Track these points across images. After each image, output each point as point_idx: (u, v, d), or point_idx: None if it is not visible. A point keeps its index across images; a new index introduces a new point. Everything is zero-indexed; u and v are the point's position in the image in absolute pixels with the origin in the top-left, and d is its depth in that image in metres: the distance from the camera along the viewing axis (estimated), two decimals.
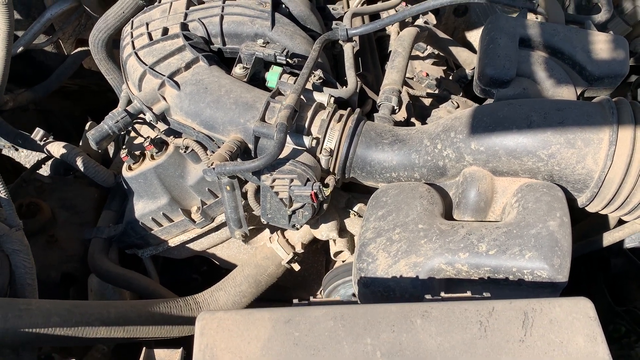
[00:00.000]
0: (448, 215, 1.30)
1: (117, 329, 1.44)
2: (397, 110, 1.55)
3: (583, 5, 1.91)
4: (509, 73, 1.33)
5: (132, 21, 1.81)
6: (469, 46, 2.56)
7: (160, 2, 1.83)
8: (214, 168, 1.33)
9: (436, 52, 2.09)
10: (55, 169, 2.29)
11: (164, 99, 1.52)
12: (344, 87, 1.62)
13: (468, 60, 1.99)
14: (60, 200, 2.04)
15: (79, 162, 1.68)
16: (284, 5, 1.79)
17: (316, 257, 1.92)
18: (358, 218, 1.61)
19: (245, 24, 1.65)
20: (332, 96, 1.50)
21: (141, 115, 1.54)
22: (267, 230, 1.77)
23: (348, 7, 2.15)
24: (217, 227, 1.72)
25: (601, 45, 1.33)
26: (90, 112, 2.77)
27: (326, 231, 1.58)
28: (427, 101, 1.87)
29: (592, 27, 1.47)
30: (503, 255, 1.09)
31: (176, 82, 1.50)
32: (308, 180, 1.35)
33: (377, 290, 1.21)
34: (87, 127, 2.02)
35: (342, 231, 1.62)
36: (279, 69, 1.57)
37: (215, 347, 0.78)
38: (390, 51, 2.00)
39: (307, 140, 1.39)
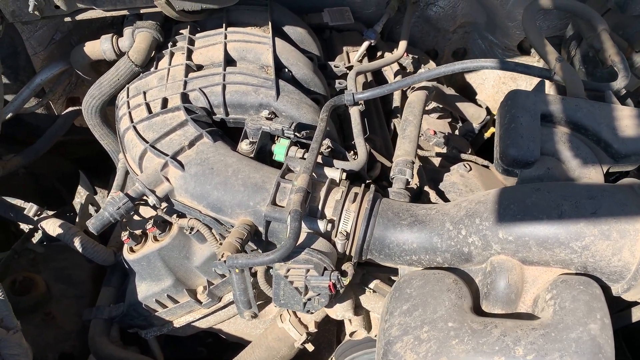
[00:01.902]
0: (475, 303, 1.24)
1: None
2: (410, 183, 1.49)
3: (590, 56, 1.87)
4: (534, 154, 1.27)
5: (128, 88, 1.73)
6: (467, 89, 2.53)
7: (157, 67, 1.76)
8: (224, 261, 1.26)
9: (440, 105, 2.04)
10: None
11: (168, 180, 1.44)
12: (354, 156, 1.56)
13: (475, 115, 1.94)
14: (55, 272, 1.94)
15: (77, 243, 1.60)
16: (286, 70, 1.73)
17: (327, 325, 1.85)
18: (374, 294, 1.54)
19: (249, 94, 1.58)
20: (344, 171, 1.43)
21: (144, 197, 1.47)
22: None
23: (348, 61, 2.09)
24: (224, 306, 1.64)
25: (627, 121, 1.28)
26: (78, 161, 2.68)
27: (341, 311, 1.51)
28: (436, 161, 1.81)
29: (612, 98, 1.43)
30: None
31: (180, 163, 1.43)
32: (325, 269, 1.27)
33: None
34: (83, 201, 1.93)
35: (357, 308, 1.54)
36: (286, 142, 1.50)
37: None
38: (395, 107, 1.95)
39: (322, 225, 1.32)
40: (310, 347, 1.62)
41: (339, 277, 1.27)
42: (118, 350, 1.64)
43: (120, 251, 1.68)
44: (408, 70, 2.14)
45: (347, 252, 1.35)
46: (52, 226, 1.65)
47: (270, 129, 1.48)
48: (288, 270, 1.29)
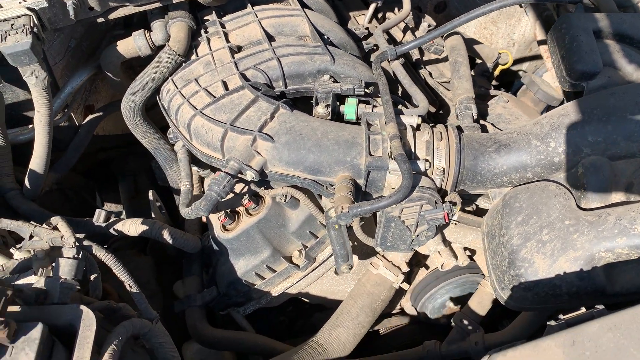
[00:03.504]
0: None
1: None
2: (475, 117, 1.62)
3: None
4: (598, 66, 1.44)
5: (172, 79, 1.75)
6: None
7: (197, 55, 1.78)
8: (348, 211, 1.34)
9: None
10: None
11: (259, 153, 1.49)
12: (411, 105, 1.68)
13: (490, 55, 2.10)
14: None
15: (166, 235, 1.61)
16: (326, 37, 1.80)
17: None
18: (455, 226, 1.67)
19: (306, 63, 1.65)
20: (419, 116, 1.54)
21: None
22: (355, 257, 1.79)
23: (358, 24, 2.19)
24: (315, 267, 1.72)
25: None
26: (86, 174, 2.62)
27: (433, 245, 1.63)
28: None
29: None
30: None
31: (268, 135, 1.48)
32: (436, 202, 1.39)
33: (541, 291, 1.28)
34: (151, 198, 1.92)
35: (444, 241, 1.67)
36: (354, 101, 1.59)
37: None
38: (416, 59, 2.08)
39: (421, 165, 1.43)
40: (405, 286, 1.73)
41: (451, 206, 1.39)
42: (224, 332, 1.68)
43: (204, 238, 1.72)
44: (411, 26, 2.27)
45: (444, 186, 1.47)
46: (133, 226, 1.64)
47: (342, 90, 1.56)
48: (401, 211, 1.39)
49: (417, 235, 1.47)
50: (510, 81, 2.84)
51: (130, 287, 1.32)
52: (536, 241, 1.29)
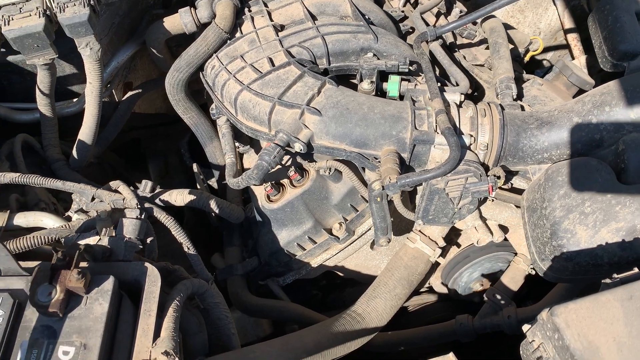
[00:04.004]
0: None
1: (317, 357, 1.48)
2: (514, 96, 1.67)
3: None
4: None
5: (217, 56, 1.79)
6: None
7: (242, 33, 1.83)
8: (396, 182, 1.39)
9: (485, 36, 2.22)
10: None
11: (306, 126, 1.54)
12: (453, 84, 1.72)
13: (522, 40, 2.14)
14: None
15: (213, 205, 1.66)
16: (367, 17, 1.85)
17: None
18: (492, 203, 1.72)
19: (350, 41, 1.70)
20: (462, 94, 1.59)
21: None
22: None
23: (391, 7, 2.23)
24: (354, 240, 1.77)
25: None
26: (117, 151, 2.68)
27: (471, 220, 1.68)
28: None
29: None
30: None
31: (316, 109, 1.53)
32: (481, 175, 1.44)
33: (582, 261, 1.33)
34: (195, 170, 1.97)
35: (481, 218, 1.72)
36: (397, 78, 1.63)
37: (586, 334, 0.87)
38: (451, 42, 2.12)
39: (466, 139, 1.48)
40: (441, 260, 1.78)
41: (495, 180, 1.44)
42: (265, 300, 1.74)
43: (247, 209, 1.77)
44: (443, 12, 2.31)
45: (486, 161, 1.52)
46: (179, 196, 1.69)
47: (386, 67, 1.61)
48: (447, 183, 1.44)
49: (460, 209, 1.52)
50: (531, 70, 2.88)
51: (188, 249, 1.38)
52: (579, 213, 1.34)
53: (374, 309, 1.69)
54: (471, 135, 1.49)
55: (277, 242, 1.72)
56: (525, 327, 1.10)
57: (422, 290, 2.19)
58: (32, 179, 1.33)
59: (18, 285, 1.11)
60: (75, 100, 1.99)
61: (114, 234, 1.29)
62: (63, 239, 1.34)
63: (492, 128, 1.50)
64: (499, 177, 1.46)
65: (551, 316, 0.93)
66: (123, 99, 2.20)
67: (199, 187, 1.96)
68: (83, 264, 1.19)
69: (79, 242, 1.32)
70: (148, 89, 2.25)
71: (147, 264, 1.21)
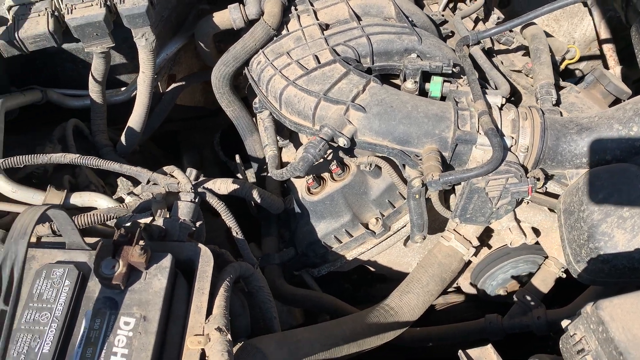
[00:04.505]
0: None
1: (353, 345, 1.52)
2: (554, 102, 1.70)
3: None
4: None
5: (263, 52, 1.85)
6: None
7: (288, 30, 1.89)
8: (439, 179, 1.44)
9: (523, 43, 2.26)
10: None
11: (350, 122, 1.59)
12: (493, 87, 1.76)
13: (560, 48, 2.17)
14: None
15: (255, 195, 1.72)
16: (410, 19, 1.90)
17: None
18: (527, 205, 1.75)
19: (394, 42, 1.75)
20: (503, 97, 1.63)
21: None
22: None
23: (431, 11, 2.28)
24: (389, 236, 1.81)
25: None
26: (154, 141, 2.75)
27: (506, 221, 1.71)
28: None
29: None
30: None
31: (360, 105, 1.58)
32: (521, 176, 1.47)
33: (619, 264, 1.36)
34: (238, 161, 2.03)
35: (515, 219, 1.76)
36: (440, 79, 1.68)
37: (631, 328, 0.91)
38: (489, 47, 2.16)
39: (508, 141, 1.52)
40: (475, 260, 1.82)
41: (535, 181, 1.47)
42: (301, 290, 1.79)
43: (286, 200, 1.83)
44: (481, 18, 2.35)
45: (525, 164, 1.56)
46: (224, 185, 1.75)
47: (430, 68, 1.66)
48: (487, 182, 1.48)
49: (497, 208, 1.56)
50: (562, 79, 2.91)
51: (237, 233, 1.43)
52: (617, 217, 1.37)
53: (406, 304, 1.73)
54: (512, 137, 1.53)
55: (315, 234, 1.77)
56: (564, 322, 1.13)
57: (449, 290, 2.23)
58: (91, 160, 1.40)
59: (81, 259, 1.18)
60: (123, 89, 2.06)
61: (168, 216, 1.35)
62: (116, 219, 1.41)
63: (533, 131, 1.53)
64: (538, 179, 1.50)
65: (596, 309, 0.97)
66: (167, 90, 2.27)
67: (240, 177, 2.02)
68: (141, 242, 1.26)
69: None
70: (191, 82, 2.32)
71: (200, 245, 1.27)
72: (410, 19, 1.89)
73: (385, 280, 2.07)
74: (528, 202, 1.74)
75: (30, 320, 1.07)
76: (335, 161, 1.67)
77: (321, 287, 2.06)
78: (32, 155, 1.42)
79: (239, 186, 1.73)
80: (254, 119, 2.12)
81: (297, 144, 1.99)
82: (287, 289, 1.78)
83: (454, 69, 1.67)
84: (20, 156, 1.42)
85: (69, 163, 1.42)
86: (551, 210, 1.77)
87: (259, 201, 1.72)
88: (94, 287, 1.14)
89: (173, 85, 2.28)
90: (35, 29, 1.59)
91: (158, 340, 1.10)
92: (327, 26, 1.88)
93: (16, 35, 1.58)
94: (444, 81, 1.69)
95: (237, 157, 1.99)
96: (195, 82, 2.36)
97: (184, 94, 2.49)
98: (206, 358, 1.10)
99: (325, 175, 1.74)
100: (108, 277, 1.11)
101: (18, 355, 1.03)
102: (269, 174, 1.95)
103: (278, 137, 1.95)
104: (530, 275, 1.95)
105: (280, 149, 2.02)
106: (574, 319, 1.08)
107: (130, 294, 1.13)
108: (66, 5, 1.62)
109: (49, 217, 1.15)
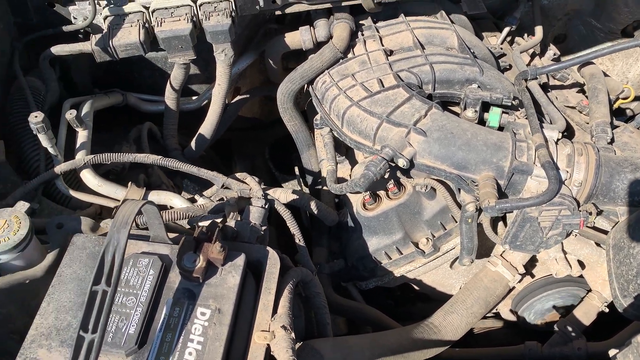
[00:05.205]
0: None
1: (399, 357, 1.59)
2: (609, 140, 1.76)
3: None
4: None
5: (329, 72, 1.96)
6: None
7: (354, 54, 1.99)
8: (495, 205, 1.51)
9: (578, 80, 2.32)
10: None
11: (410, 145, 1.68)
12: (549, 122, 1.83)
13: (615, 87, 2.22)
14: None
15: (313, 206, 1.82)
16: (472, 51, 1.98)
17: None
18: (575, 238, 1.80)
19: (457, 71, 1.83)
20: (560, 131, 1.69)
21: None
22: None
23: (489, 44, 2.36)
24: (437, 256, 1.88)
25: None
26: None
27: (553, 252, 1.77)
28: None
29: None
30: None
31: (422, 130, 1.67)
32: (574, 209, 1.53)
33: None
34: (297, 172, 2.14)
35: (562, 251, 1.81)
36: (499, 110, 1.75)
37: None
38: (543, 83, 2.22)
39: (562, 174, 1.58)
40: (519, 286, 1.88)
41: (587, 215, 1.53)
42: (349, 301, 1.87)
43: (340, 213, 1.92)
44: (537, 53, 2.42)
45: (578, 197, 1.62)
46: (284, 194, 1.86)
47: (491, 99, 1.73)
48: (540, 212, 1.54)
49: (548, 238, 1.62)
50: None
51: (299, 240, 1.53)
52: None
53: (450, 323, 1.79)
54: (567, 171, 1.59)
55: (367, 248, 1.85)
56: (612, 352, 1.19)
57: (488, 315, 2.27)
58: (172, 162, 1.52)
59: (164, 251, 1.29)
60: (194, 98, 2.20)
61: (238, 219, 1.46)
62: (189, 218, 1.52)
63: (587, 167, 1.59)
64: (590, 213, 1.56)
65: None
66: (232, 101, 2.41)
67: (299, 188, 2.12)
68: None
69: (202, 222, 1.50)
70: (254, 96, 2.45)
71: (268, 248, 1.37)
72: (472, 51, 1.97)
73: (427, 300, 2.13)
74: (576, 235, 1.79)
75: (118, 303, 1.18)
76: (392, 180, 1.76)
77: (365, 301, 2.14)
78: (119, 153, 1.56)
79: (297, 197, 1.83)
80: (311, 134, 2.22)
81: (353, 162, 2.08)
82: (335, 299, 1.86)
83: (513, 102, 1.74)
84: (108, 154, 1.56)
85: (151, 163, 1.55)
86: (598, 244, 1.81)
87: (315, 212, 1.81)
88: (174, 278, 1.25)
89: (238, 98, 2.41)
90: (128, 38, 1.74)
91: (230, 332, 1.20)
92: (392, 52, 1.98)
93: (110, 42, 1.73)
94: (502, 112, 1.76)
95: (297, 169, 2.09)
96: (257, 96, 2.49)
97: (244, 106, 2.62)
98: (271, 353, 1.19)
99: (381, 192, 1.83)
100: (189, 270, 1.22)
101: (107, 334, 1.14)
102: (324, 187, 2.05)
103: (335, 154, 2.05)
104: (571, 307, 1.98)
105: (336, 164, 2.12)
106: (623, 349, 1.13)
107: (207, 287, 1.23)
108: (156, 18, 1.76)
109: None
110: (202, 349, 1.14)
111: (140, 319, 1.17)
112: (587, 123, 1.97)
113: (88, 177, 1.60)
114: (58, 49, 1.83)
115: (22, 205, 1.30)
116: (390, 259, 1.87)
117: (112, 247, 1.07)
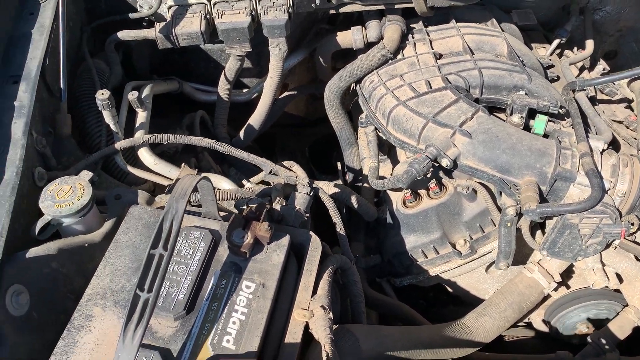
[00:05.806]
0: None
1: (429, 352, 1.62)
2: None
3: None
4: None
5: (377, 72, 2.01)
6: None
7: (403, 55, 2.04)
8: (536, 209, 1.53)
9: (627, 96, 2.30)
10: None
11: (455, 145, 1.71)
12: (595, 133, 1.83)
13: None
14: None
15: (354, 200, 1.87)
16: (521, 59, 2.00)
17: None
18: (614, 251, 1.79)
19: (505, 77, 1.86)
20: (605, 142, 1.70)
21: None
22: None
23: (538, 54, 2.37)
24: (473, 259, 1.90)
25: None
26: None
27: (592, 262, 1.77)
28: None
29: None
30: None
31: (467, 131, 1.70)
32: (616, 219, 1.54)
33: None
34: (339, 167, 2.20)
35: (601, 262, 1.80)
36: (545, 118, 1.77)
37: None
38: (591, 96, 2.22)
39: (606, 184, 1.59)
40: (554, 295, 1.88)
41: (630, 225, 1.53)
42: (384, 297, 1.91)
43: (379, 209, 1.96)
44: (586, 66, 2.42)
45: (620, 208, 1.62)
46: (326, 187, 1.91)
47: (538, 106, 1.75)
48: (581, 220, 1.55)
49: (587, 247, 1.62)
50: None
51: (340, 229, 1.58)
52: None
53: (481, 325, 1.80)
54: (611, 181, 1.60)
55: (404, 245, 1.89)
56: None
57: (519, 324, 2.27)
58: (224, 147, 1.60)
59: (214, 227, 1.36)
60: (245, 90, 2.28)
61: (284, 204, 1.52)
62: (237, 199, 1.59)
63: (632, 178, 1.59)
64: (632, 224, 1.56)
65: None
66: (280, 97, 2.48)
67: (341, 182, 2.17)
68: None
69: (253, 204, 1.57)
70: (301, 93, 2.52)
71: (311, 233, 1.42)
72: (521, 59, 2.00)
73: (460, 303, 2.15)
74: (616, 247, 1.78)
75: (170, 270, 1.26)
76: (434, 180, 1.79)
77: (397, 298, 2.17)
78: (175, 135, 1.64)
79: (339, 190, 1.88)
80: (354, 133, 2.28)
81: (394, 161, 2.12)
82: (370, 293, 1.90)
83: (560, 110, 1.76)
84: (165, 134, 1.64)
85: (204, 147, 1.62)
86: (637, 259, 1.80)
87: (355, 206, 1.86)
88: (222, 252, 1.32)
89: (285, 94, 2.48)
90: (190, 27, 1.83)
91: (272, 307, 1.25)
92: (441, 56, 2.02)
93: (173, 30, 1.83)
94: (548, 120, 1.78)
95: (339, 164, 2.14)
96: (304, 94, 2.56)
97: (290, 103, 2.70)
98: (310, 330, 1.24)
99: (422, 191, 1.86)
100: (237, 245, 1.28)
101: (159, 298, 1.21)
102: (364, 184, 2.10)
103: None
104: (605, 321, 1.97)
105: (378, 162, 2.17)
106: None
107: (253, 262, 1.30)
108: (217, 10, 1.85)
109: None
110: (245, 320, 1.21)
111: (189, 286, 1.23)
112: (635, 138, 1.97)
113: (145, 155, 1.69)
114: (124, 34, 1.93)
115: (86, 174, 1.39)
116: (427, 257, 1.90)
117: (170, 215, 1.14)
